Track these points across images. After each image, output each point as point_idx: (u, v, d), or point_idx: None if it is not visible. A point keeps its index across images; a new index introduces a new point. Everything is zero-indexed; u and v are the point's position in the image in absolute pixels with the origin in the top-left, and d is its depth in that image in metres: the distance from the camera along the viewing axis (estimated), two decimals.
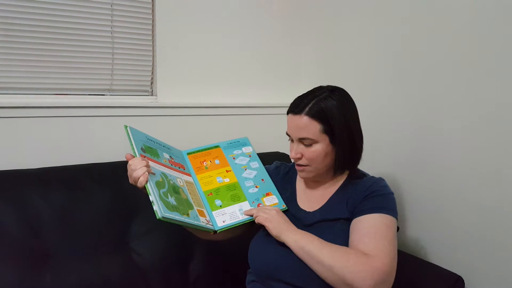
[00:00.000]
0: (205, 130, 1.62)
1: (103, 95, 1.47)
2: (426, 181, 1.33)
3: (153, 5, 1.50)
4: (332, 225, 1.00)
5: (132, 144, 0.96)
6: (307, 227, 1.00)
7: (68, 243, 1.12)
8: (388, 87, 1.47)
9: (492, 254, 1.17)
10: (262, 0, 1.72)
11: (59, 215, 1.14)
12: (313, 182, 1.09)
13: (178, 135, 1.55)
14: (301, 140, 1.00)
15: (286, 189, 1.13)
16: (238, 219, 1.02)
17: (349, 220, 0.98)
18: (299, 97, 1.03)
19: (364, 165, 1.09)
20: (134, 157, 0.94)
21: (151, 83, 1.55)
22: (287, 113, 1.04)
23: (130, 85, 1.52)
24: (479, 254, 1.20)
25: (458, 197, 1.24)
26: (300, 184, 1.13)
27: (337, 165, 1.03)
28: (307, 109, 0.98)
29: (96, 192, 1.21)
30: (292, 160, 1.06)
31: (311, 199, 1.07)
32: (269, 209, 1.01)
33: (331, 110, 0.98)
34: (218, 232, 0.99)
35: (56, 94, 1.38)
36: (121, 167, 1.13)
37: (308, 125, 0.98)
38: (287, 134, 1.05)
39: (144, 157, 0.95)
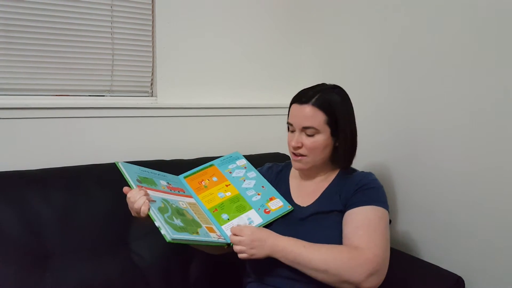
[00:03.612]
0: (205, 130, 1.62)
1: (103, 96, 1.47)
2: (426, 181, 1.34)
3: (153, 6, 1.50)
4: (327, 217, 1.02)
5: (126, 178, 0.96)
6: (302, 220, 1.04)
7: (68, 244, 1.12)
8: (384, 87, 1.48)
9: (492, 254, 1.17)
10: (262, 1, 1.72)
11: (59, 216, 1.14)
12: (306, 178, 1.12)
13: (178, 136, 1.55)
14: (304, 129, 1.02)
15: (280, 187, 1.15)
16: None
17: (342, 212, 1.01)
18: (304, 89, 1.07)
19: (360, 163, 1.09)
20: (131, 189, 0.94)
21: (151, 84, 1.56)
22: (291, 104, 1.07)
23: (130, 86, 1.52)
24: (479, 254, 1.20)
25: (459, 198, 1.24)
26: (293, 181, 1.15)
27: (337, 158, 1.06)
28: (313, 100, 1.02)
29: (96, 193, 1.22)
30: (289, 153, 1.08)
31: (304, 194, 1.10)
32: (238, 240, 0.94)
33: (336, 104, 1.03)
34: (232, 244, 0.97)
35: (56, 95, 1.38)
36: None
37: (314, 115, 1.01)
38: (289, 123, 1.07)
39: (141, 187, 0.95)
